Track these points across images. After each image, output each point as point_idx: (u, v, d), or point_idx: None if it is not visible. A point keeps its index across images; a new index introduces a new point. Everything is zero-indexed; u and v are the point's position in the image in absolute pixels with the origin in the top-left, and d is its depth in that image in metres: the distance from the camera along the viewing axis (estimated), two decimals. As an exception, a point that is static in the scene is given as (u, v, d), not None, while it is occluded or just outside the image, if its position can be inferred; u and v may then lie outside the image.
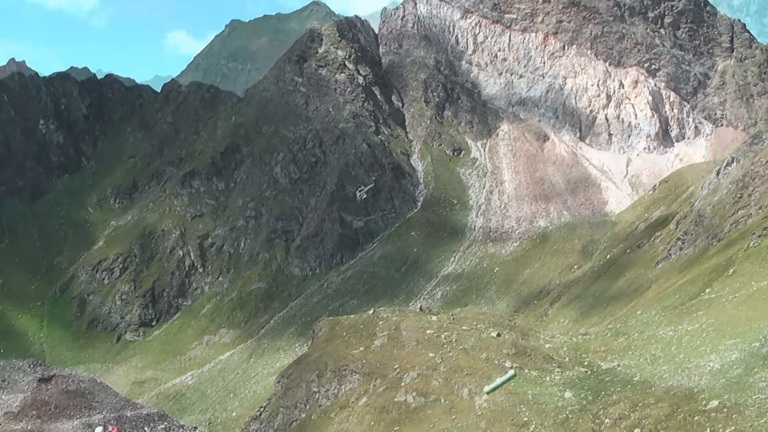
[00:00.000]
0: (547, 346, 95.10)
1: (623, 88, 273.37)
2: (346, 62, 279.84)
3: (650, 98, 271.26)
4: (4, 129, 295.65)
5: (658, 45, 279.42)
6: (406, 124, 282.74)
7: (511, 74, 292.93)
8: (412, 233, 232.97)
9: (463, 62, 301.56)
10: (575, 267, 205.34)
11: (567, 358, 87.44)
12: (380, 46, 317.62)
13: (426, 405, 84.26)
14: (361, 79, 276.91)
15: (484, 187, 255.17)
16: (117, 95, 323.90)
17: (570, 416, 67.40)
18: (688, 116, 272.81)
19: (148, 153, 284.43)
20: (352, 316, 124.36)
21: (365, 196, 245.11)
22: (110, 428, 36.08)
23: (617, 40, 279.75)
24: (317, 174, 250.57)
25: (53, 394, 44.51)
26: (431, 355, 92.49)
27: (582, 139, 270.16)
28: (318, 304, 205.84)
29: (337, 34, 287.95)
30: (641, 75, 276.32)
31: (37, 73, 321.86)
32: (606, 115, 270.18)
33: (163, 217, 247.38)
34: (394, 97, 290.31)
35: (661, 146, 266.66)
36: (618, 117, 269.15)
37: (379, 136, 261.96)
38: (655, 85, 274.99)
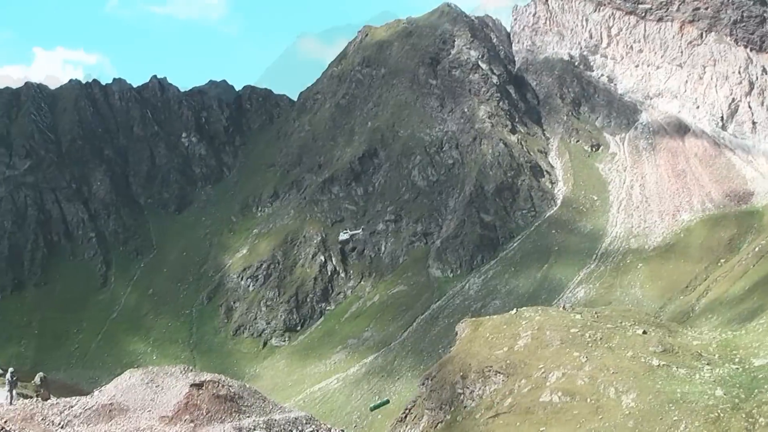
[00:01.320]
0: (695, 342, 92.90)
1: (766, 74, 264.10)
2: (480, 62, 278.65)
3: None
4: (149, 144, 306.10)
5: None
6: (543, 121, 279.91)
7: (648, 65, 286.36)
8: (553, 231, 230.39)
9: (598, 56, 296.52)
10: (722, 261, 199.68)
11: (717, 355, 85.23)
12: (513, 44, 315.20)
13: (572, 405, 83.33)
14: (495, 79, 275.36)
15: (624, 182, 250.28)
16: (255, 106, 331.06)
17: (721, 415, 65.70)
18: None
19: (287, 161, 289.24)
20: (495, 316, 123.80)
21: (347, 237, 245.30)
22: None
23: (758, 24, 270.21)
24: (455, 175, 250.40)
25: (205, 398, 45.66)
26: (576, 354, 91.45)
27: (724, 128, 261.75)
28: (460, 306, 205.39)
29: (469, 35, 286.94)
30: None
31: (177, 88, 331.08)
32: (749, 102, 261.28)
33: (304, 223, 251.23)
34: (529, 95, 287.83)
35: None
36: (762, 104, 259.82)
37: (516, 135, 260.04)
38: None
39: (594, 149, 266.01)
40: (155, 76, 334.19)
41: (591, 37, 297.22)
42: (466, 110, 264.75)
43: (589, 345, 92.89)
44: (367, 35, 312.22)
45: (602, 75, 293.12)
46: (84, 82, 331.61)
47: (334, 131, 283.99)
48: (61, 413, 47.80)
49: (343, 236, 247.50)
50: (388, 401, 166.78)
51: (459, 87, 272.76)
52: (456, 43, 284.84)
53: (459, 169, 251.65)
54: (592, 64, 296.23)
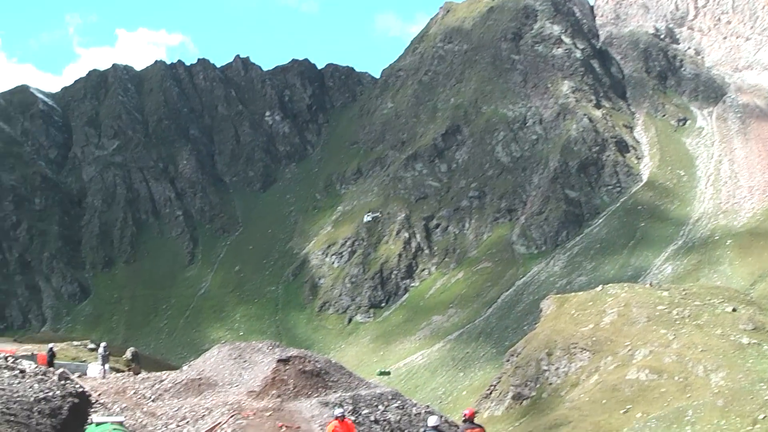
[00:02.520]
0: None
1: None
2: (563, 36, 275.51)
3: None
4: (233, 123, 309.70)
5: None
6: (628, 96, 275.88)
7: (737, 37, 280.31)
8: (639, 207, 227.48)
9: (684, 28, 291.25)
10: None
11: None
12: (596, 18, 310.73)
13: (659, 383, 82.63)
14: (578, 53, 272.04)
15: (712, 157, 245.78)
16: (337, 83, 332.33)
17: (815, 393, 64.55)
18: None
19: (370, 138, 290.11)
20: (580, 293, 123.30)
21: (370, 219, 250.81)
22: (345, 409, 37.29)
23: None
24: (538, 151, 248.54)
25: (291, 374, 46.23)
26: (663, 331, 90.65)
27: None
28: (545, 282, 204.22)
29: (552, 9, 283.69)
30: None
31: (260, 67, 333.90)
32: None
33: (388, 200, 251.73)
34: (613, 69, 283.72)
35: None
36: None
37: (600, 110, 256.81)
38: None
39: (680, 124, 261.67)
40: (238, 56, 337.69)
41: (677, 8, 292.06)
42: (549, 85, 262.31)
43: (677, 322, 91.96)
44: (448, 11, 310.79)
45: (689, 48, 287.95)
46: (168, 63, 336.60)
47: (417, 108, 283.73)
48: (152, 387, 48.95)
49: (367, 218, 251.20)
50: (389, 373, 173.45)
51: (542, 62, 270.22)
52: (538, 17, 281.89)
53: (543, 145, 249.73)
54: (678, 36, 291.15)
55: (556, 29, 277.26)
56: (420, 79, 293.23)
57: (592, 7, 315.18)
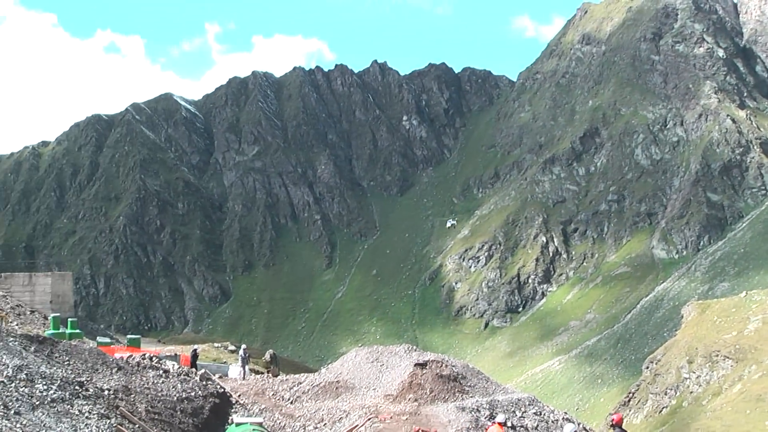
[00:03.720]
0: None
1: None
2: (705, 35, 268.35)
3: None
4: (371, 128, 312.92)
5: None
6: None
7: None
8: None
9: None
10: None
11: None
12: (740, 15, 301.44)
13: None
14: (721, 52, 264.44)
15: None
16: (474, 87, 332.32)
17: None
18: None
19: (507, 142, 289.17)
20: (723, 299, 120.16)
21: (450, 225, 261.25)
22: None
23: None
24: (679, 154, 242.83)
25: (428, 378, 46.38)
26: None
27: None
28: (686, 288, 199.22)
29: (693, 7, 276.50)
30: None
31: (397, 72, 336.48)
32: None
33: (526, 204, 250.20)
34: (758, 68, 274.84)
35: None
36: None
37: (744, 110, 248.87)
38: None
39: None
40: (376, 61, 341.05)
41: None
42: (690, 86, 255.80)
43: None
44: (586, 12, 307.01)
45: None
46: (306, 69, 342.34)
47: (555, 111, 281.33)
48: (290, 389, 49.78)
49: (449, 223, 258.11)
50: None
51: (683, 62, 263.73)
52: (679, 16, 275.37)
53: (684, 147, 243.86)
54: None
55: (698, 28, 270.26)
56: (557, 81, 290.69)
57: (735, 4, 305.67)
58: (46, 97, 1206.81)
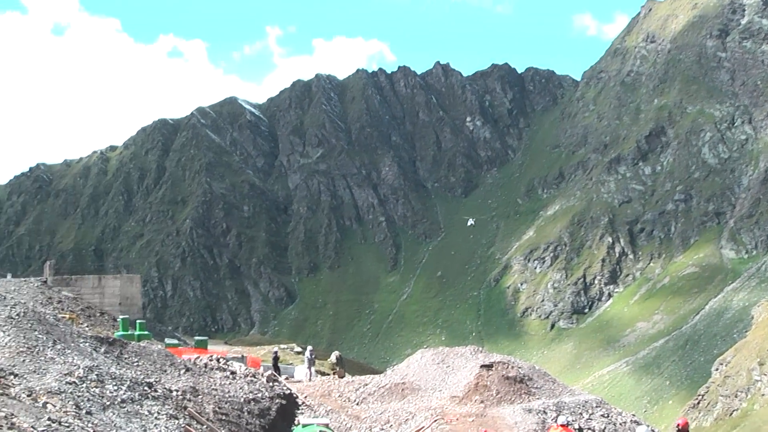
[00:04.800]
0: None
1: None
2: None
3: None
4: (434, 129, 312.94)
5: None
6: None
7: None
8: None
9: None
10: None
11: None
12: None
13: None
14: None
15: None
16: (538, 87, 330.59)
17: None
18: None
19: (572, 142, 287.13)
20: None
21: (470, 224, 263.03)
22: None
23: None
24: (748, 152, 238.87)
25: (494, 380, 46.32)
26: None
27: None
28: (755, 288, 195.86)
29: (761, 2, 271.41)
30: None
31: (460, 73, 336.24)
32: None
33: (591, 204, 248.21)
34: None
35: None
36: None
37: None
38: None
39: None
40: (438, 62, 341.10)
41: None
42: (759, 83, 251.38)
43: None
44: (650, 10, 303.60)
45: None
46: (370, 71, 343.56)
47: (620, 110, 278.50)
48: (356, 390, 50.13)
49: (469, 222, 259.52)
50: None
51: (750, 59, 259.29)
52: (746, 12, 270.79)
53: (753, 145, 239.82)
54: None
55: (766, 24, 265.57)
56: (622, 80, 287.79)
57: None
58: (112, 102, 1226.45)
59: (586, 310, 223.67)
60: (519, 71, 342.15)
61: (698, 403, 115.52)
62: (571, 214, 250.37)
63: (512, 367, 48.38)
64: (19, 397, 22.14)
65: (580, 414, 44.06)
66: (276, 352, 64.61)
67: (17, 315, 30.83)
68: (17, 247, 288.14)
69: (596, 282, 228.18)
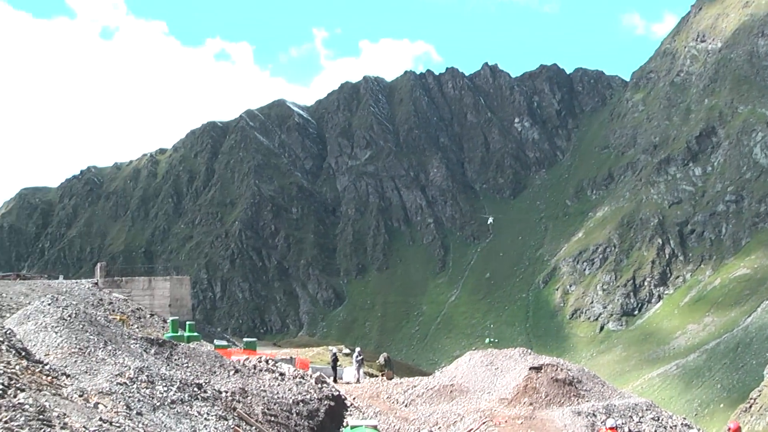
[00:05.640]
0: None
1: None
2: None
3: None
4: (482, 130, 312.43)
5: None
6: None
7: None
8: None
9: None
10: None
11: None
12: None
13: None
14: None
15: None
16: (586, 87, 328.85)
17: None
18: None
19: (621, 143, 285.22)
20: None
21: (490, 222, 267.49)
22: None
23: None
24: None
25: (543, 382, 46.27)
26: None
27: None
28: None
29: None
30: None
31: (509, 74, 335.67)
32: None
33: (640, 205, 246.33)
34: None
35: None
36: None
37: None
38: None
39: None
40: (486, 64, 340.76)
41: None
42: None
43: None
44: (700, 9, 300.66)
45: None
46: (417, 72, 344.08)
47: (669, 110, 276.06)
48: (404, 392, 50.32)
49: (490, 220, 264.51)
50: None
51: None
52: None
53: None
54: None
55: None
56: (672, 80, 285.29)
57: None
58: (161, 105, 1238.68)
59: (636, 313, 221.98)
60: (567, 72, 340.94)
61: (750, 407, 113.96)
62: (620, 215, 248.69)
63: (561, 370, 48.32)
64: (71, 397, 22.63)
65: (630, 417, 43.96)
66: (335, 353, 65.07)
67: (69, 316, 31.44)
68: (69, 249, 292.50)
69: (646, 284, 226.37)
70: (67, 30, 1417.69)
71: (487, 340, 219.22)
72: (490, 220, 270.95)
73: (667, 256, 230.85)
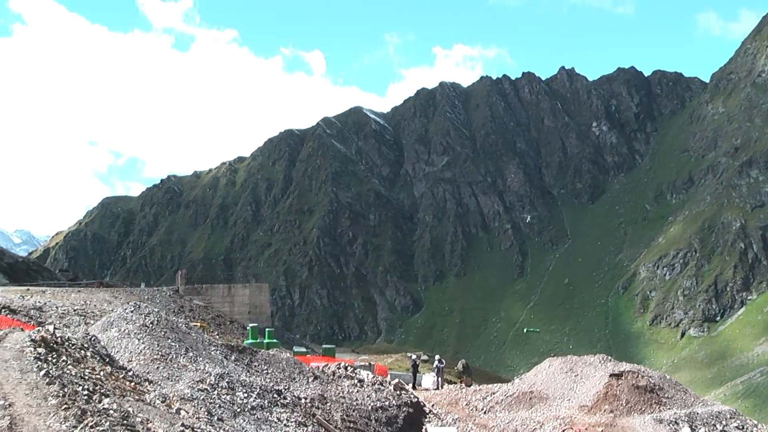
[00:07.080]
0: None
1: None
2: None
3: None
4: (560, 135, 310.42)
5: None
6: None
7: None
8: None
9: None
10: None
11: None
12: None
13: None
14: None
15: None
16: (665, 90, 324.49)
17: None
18: None
19: (701, 145, 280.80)
20: None
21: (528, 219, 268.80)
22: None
23: None
24: None
25: (624, 389, 45.87)
26: None
27: None
28: None
29: None
30: None
31: (585, 78, 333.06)
32: None
33: (722, 209, 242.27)
34: None
35: None
36: None
37: None
38: None
39: None
40: (563, 68, 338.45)
41: None
42: None
43: None
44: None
45: None
46: (492, 77, 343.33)
47: (751, 111, 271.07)
48: (483, 399, 50.19)
49: (528, 218, 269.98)
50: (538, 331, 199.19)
51: None
52: None
53: None
54: None
55: None
56: (753, 80, 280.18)
57: None
58: (238, 114, 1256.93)
59: (718, 318, 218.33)
60: (645, 74, 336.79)
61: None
62: (701, 219, 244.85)
63: (642, 377, 47.85)
64: (154, 403, 23.20)
65: (714, 426, 43.35)
66: (416, 359, 65.19)
67: (151, 323, 32.20)
68: (150, 257, 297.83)
69: (728, 289, 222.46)
70: (145, 42, 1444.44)
71: (525, 330, 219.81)
72: (528, 218, 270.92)
73: (750, 261, 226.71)
